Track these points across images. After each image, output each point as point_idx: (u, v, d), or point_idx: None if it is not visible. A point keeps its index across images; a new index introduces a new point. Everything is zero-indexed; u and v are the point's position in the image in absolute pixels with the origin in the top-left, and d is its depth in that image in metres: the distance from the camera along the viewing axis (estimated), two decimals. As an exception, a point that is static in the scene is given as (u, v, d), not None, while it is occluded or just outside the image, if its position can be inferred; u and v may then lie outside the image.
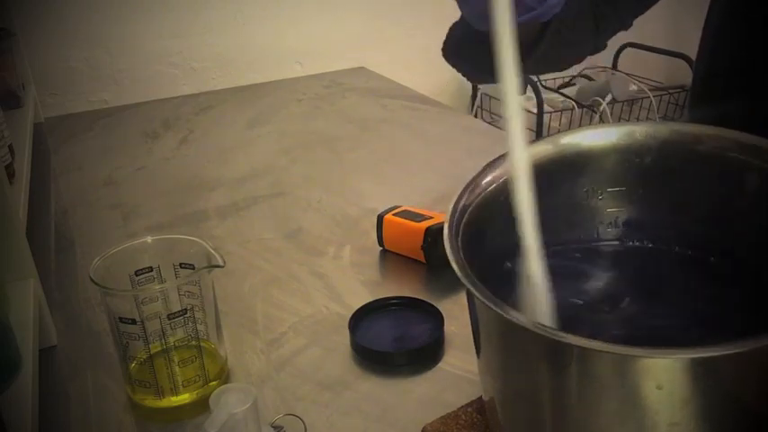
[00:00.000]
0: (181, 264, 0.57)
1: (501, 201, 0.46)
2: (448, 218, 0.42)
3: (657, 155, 0.47)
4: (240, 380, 0.59)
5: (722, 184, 0.45)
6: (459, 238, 0.40)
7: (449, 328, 0.62)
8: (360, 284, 0.72)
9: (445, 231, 0.40)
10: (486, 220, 0.44)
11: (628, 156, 0.47)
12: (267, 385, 0.58)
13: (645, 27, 2.14)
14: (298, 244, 0.81)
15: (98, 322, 0.67)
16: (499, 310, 0.34)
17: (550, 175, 0.47)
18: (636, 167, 0.47)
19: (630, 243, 0.49)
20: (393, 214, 0.76)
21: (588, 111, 1.97)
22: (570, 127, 1.97)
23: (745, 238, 0.45)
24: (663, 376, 0.32)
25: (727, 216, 0.46)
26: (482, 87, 2.04)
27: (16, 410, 0.50)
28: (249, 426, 0.44)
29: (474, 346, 0.44)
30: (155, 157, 1.11)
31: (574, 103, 1.95)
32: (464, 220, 0.43)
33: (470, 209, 0.44)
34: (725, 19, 0.63)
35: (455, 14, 0.55)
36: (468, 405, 0.53)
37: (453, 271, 0.36)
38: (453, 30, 0.52)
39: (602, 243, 0.50)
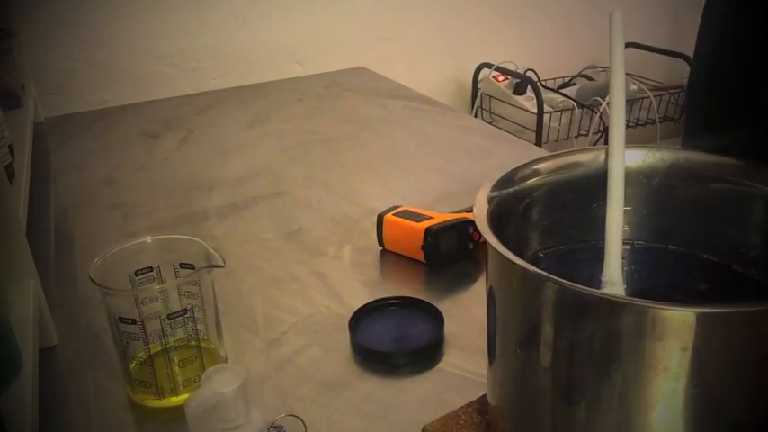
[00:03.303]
0: (181, 264, 0.57)
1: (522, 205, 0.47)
2: (479, 204, 0.43)
3: (664, 177, 0.48)
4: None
5: (726, 210, 0.46)
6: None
7: (449, 328, 0.62)
8: (360, 284, 0.72)
9: (477, 213, 0.42)
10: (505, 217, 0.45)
11: (637, 177, 0.48)
12: (267, 385, 0.58)
13: (645, 27, 2.13)
14: (298, 244, 0.81)
15: (98, 322, 0.67)
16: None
17: (567, 186, 0.48)
18: (643, 188, 0.48)
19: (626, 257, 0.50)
20: (393, 214, 0.76)
21: (588, 111, 1.97)
22: (570, 127, 1.97)
23: (749, 263, 0.46)
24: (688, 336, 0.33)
25: (730, 241, 0.46)
26: (482, 87, 2.04)
27: (16, 410, 0.50)
28: (237, 405, 0.44)
29: (486, 351, 0.45)
30: (155, 157, 1.11)
31: (574, 103, 1.95)
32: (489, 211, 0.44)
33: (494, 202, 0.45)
34: (728, 19, 0.63)
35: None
36: (468, 405, 0.53)
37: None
38: None
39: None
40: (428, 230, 0.72)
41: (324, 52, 1.76)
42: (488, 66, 1.99)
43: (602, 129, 2.00)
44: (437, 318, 0.63)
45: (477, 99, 2.05)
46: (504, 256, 0.38)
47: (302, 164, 1.06)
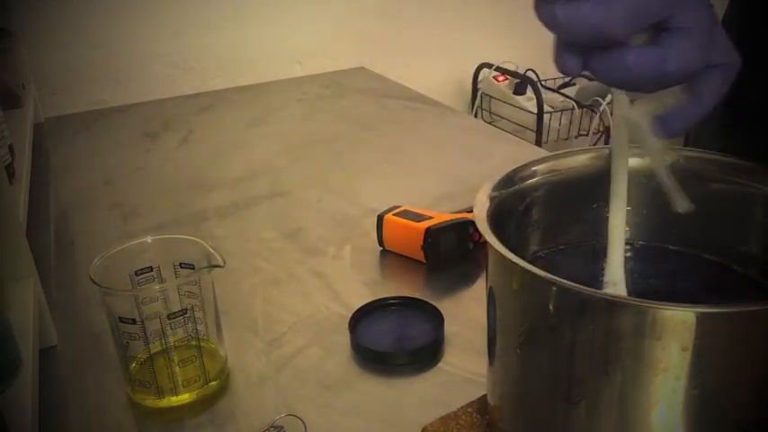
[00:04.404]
0: (181, 264, 0.57)
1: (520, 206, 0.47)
2: (479, 204, 0.43)
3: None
4: (240, 380, 0.59)
5: (726, 210, 0.46)
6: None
7: (449, 328, 0.62)
8: (360, 284, 0.72)
9: (478, 213, 0.42)
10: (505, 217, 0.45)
11: (637, 177, 0.48)
12: (267, 385, 0.58)
13: (645, 27, 2.11)
14: (298, 244, 0.81)
15: (98, 322, 0.67)
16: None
17: (567, 186, 0.48)
18: (643, 188, 0.49)
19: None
20: (393, 214, 0.76)
21: (588, 111, 1.96)
22: (570, 127, 1.97)
23: (749, 263, 0.46)
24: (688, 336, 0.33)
25: (730, 241, 0.46)
26: (482, 87, 2.04)
27: (16, 410, 0.50)
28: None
29: (487, 351, 0.45)
30: (154, 157, 1.11)
31: (574, 103, 1.95)
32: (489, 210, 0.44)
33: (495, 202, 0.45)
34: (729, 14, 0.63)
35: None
36: (468, 405, 0.53)
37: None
38: None
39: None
40: (428, 230, 0.72)
41: (324, 52, 1.76)
42: (488, 66, 1.99)
43: (602, 129, 1.99)
44: (437, 318, 0.63)
45: (477, 99, 2.05)
46: (504, 256, 0.38)
47: (302, 164, 1.06)
